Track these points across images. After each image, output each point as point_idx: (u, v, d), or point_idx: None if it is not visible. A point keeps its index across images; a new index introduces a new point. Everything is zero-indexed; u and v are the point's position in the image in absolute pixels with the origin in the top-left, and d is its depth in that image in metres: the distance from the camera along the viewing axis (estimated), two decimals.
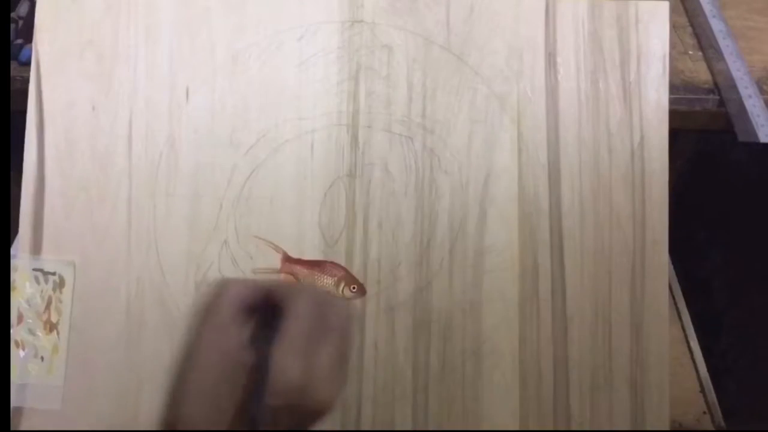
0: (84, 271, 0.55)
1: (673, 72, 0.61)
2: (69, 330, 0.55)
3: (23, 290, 0.55)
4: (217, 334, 0.36)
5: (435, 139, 0.56)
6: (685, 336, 0.79)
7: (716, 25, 0.67)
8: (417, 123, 0.56)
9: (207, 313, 0.37)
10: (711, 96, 0.63)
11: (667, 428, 0.56)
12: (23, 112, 0.56)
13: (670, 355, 0.56)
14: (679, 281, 0.84)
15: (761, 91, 0.62)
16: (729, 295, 0.93)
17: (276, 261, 0.55)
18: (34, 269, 0.55)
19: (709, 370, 0.75)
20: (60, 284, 0.55)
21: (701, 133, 0.93)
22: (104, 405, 0.54)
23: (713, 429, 0.71)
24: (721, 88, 0.63)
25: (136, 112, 0.56)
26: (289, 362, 0.35)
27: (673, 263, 0.80)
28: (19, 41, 0.62)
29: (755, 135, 0.59)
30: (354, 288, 0.54)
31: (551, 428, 0.55)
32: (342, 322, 0.38)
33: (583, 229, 0.56)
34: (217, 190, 0.56)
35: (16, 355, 0.55)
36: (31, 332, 0.55)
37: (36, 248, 0.55)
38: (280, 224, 0.55)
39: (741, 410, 0.79)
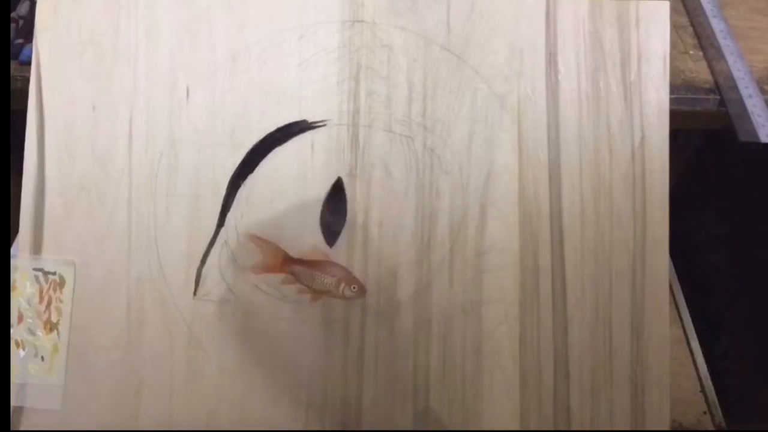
0: (84, 271, 0.55)
1: (674, 72, 0.61)
2: (69, 330, 0.55)
3: (23, 290, 0.55)
4: None
5: (435, 139, 0.56)
6: (685, 336, 0.79)
7: (717, 25, 0.67)
8: (417, 123, 0.56)
9: None
10: (711, 96, 0.63)
11: (667, 428, 0.56)
12: (23, 112, 0.56)
13: (670, 355, 0.56)
14: (679, 281, 0.84)
15: (762, 90, 0.62)
16: (729, 295, 0.93)
17: (276, 261, 0.55)
18: (34, 269, 0.55)
19: (709, 370, 0.75)
20: (60, 284, 0.55)
21: (702, 133, 0.93)
22: (104, 405, 0.54)
23: (713, 429, 0.71)
24: (722, 88, 0.63)
25: (136, 112, 0.56)
26: None
27: (673, 263, 0.80)
28: (19, 41, 0.62)
29: (756, 135, 0.59)
30: (354, 288, 0.54)
31: (551, 428, 0.55)
32: None
33: (583, 228, 0.56)
34: (217, 189, 0.56)
35: (16, 355, 0.55)
36: (31, 332, 0.55)
37: (36, 248, 0.55)
38: (280, 224, 0.55)
39: (741, 410, 0.79)
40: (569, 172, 0.57)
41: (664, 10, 0.58)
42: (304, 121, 0.56)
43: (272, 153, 0.56)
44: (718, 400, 0.73)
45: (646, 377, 0.56)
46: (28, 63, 0.57)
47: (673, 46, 0.60)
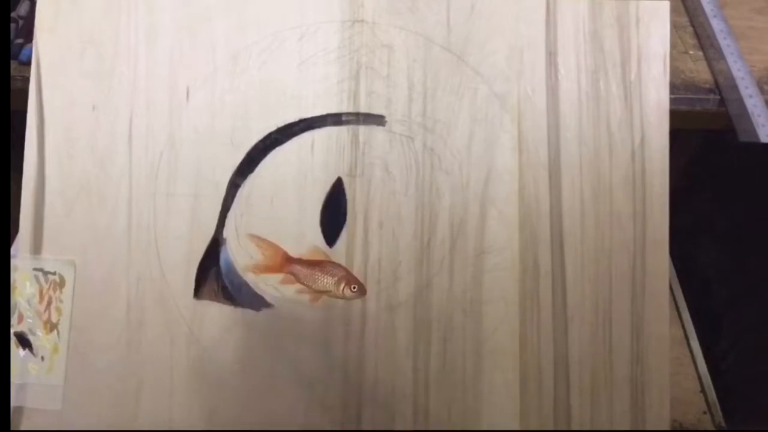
0: (84, 271, 0.55)
1: (674, 72, 0.61)
2: (69, 330, 0.55)
3: (23, 290, 0.55)
4: None
5: (435, 139, 0.56)
6: (685, 336, 0.79)
7: (717, 25, 0.67)
8: (417, 122, 0.56)
9: None
10: (711, 96, 0.63)
11: (667, 428, 0.56)
12: (23, 112, 0.56)
13: (670, 355, 0.56)
14: (679, 281, 0.84)
15: (762, 90, 0.62)
16: (729, 295, 0.93)
17: (276, 261, 0.55)
18: (34, 269, 0.55)
19: (709, 370, 0.75)
20: (60, 284, 0.55)
21: (702, 133, 0.93)
22: (104, 405, 0.54)
23: (713, 429, 0.71)
24: (722, 88, 0.63)
25: (136, 112, 0.56)
26: None
27: (673, 263, 0.80)
28: (19, 41, 0.62)
29: (756, 135, 0.59)
30: (354, 288, 0.54)
31: (551, 428, 0.55)
32: None
33: (583, 228, 0.56)
34: (217, 189, 0.56)
35: (16, 355, 0.55)
36: (31, 332, 0.55)
37: (36, 248, 0.55)
38: (280, 224, 0.55)
39: (741, 410, 0.79)
40: (569, 172, 0.57)
41: (664, 10, 0.58)
42: (304, 121, 0.56)
43: (272, 153, 0.56)
44: (718, 400, 0.73)
45: (646, 377, 0.56)
46: (28, 63, 0.57)
47: (673, 46, 0.60)
